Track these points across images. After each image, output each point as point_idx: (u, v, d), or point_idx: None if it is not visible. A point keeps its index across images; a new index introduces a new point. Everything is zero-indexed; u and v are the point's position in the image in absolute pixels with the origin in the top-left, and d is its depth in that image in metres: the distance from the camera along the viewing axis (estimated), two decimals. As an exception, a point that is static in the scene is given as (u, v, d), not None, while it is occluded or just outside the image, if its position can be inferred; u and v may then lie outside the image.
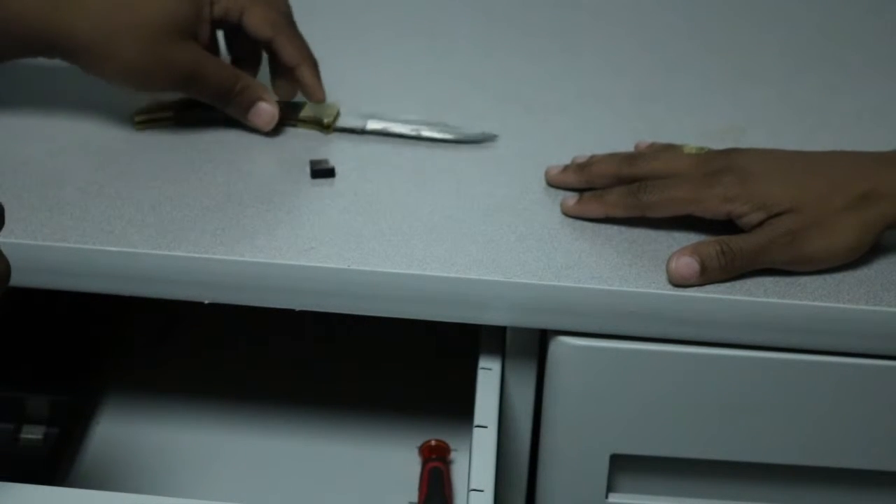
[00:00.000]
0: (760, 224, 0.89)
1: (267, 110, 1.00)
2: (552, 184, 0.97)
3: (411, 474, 0.97)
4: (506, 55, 1.16)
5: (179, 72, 0.96)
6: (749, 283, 0.89)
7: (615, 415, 0.92)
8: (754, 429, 0.92)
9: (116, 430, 1.02)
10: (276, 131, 1.02)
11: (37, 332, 1.05)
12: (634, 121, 1.06)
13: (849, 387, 0.90)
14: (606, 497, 0.95)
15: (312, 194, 0.96)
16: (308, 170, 0.98)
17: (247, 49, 1.04)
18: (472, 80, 1.11)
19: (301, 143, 1.01)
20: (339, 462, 1.00)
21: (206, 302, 0.90)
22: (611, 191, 0.94)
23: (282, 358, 1.09)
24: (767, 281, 0.89)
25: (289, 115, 1.03)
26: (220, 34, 1.04)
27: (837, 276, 0.90)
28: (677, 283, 0.89)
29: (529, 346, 0.94)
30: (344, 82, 1.09)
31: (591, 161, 0.97)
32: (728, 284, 0.89)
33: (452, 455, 0.97)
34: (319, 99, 1.03)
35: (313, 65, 1.03)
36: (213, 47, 1.02)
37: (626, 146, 1.00)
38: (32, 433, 0.98)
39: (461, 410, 0.98)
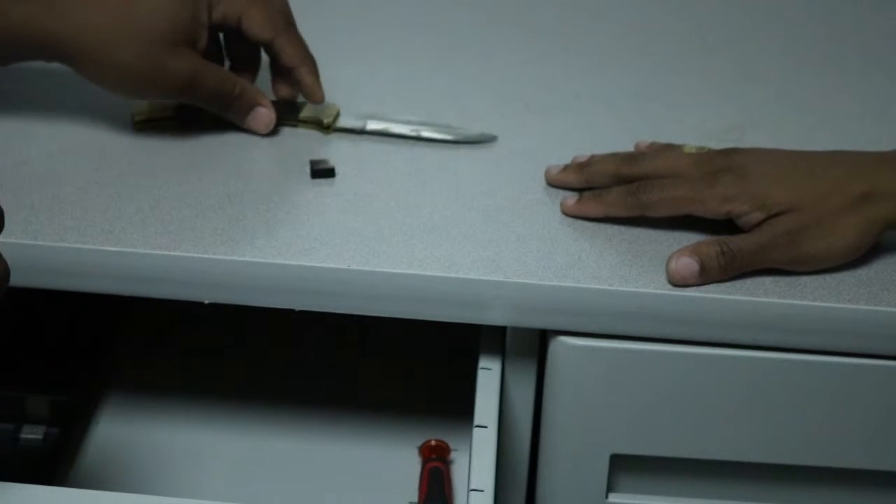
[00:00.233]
0: (760, 224, 0.89)
1: (264, 114, 1.00)
2: (552, 183, 0.97)
3: (411, 474, 0.97)
4: (506, 55, 1.15)
5: (177, 79, 0.96)
6: (749, 283, 0.89)
7: (615, 415, 0.92)
8: (754, 429, 0.92)
9: (116, 430, 1.02)
10: (276, 132, 1.02)
11: (37, 332, 1.05)
12: (634, 121, 1.06)
13: (849, 387, 0.90)
14: (606, 497, 0.95)
15: (312, 194, 0.96)
16: (308, 170, 0.98)
17: (246, 51, 1.04)
18: (472, 79, 1.11)
19: (301, 144, 1.01)
20: (339, 462, 1.00)
21: (206, 302, 0.90)
22: (610, 190, 0.94)
23: (281, 358, 1.09)
24: (767, 281, 0.89)
25: (289, 116, 1.03)
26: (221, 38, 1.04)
27: (837, 276, 0.90)
28: (677, 283, 0.89)
29: (529, 346, 0.94)
30: (344, 82, 1.09)
31: (591, 161, 0.97)
32: (728, 284, 0.89)
33: (452, 455, 0.97)
34: (318, 100, 1.03)
35: (312, 65, 1.03)
36: (213, 53, 1.02)
37: (626, 146, 1.00)
38: (32, 433, 0.98)
39: (461, 410, 0.99)
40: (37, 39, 0.94)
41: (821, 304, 0.88)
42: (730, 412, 0.92)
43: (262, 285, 0.89)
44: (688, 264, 0.88)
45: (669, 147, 0.99)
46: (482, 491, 0.84)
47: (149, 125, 1.01)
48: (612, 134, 1.03)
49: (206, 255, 0.89)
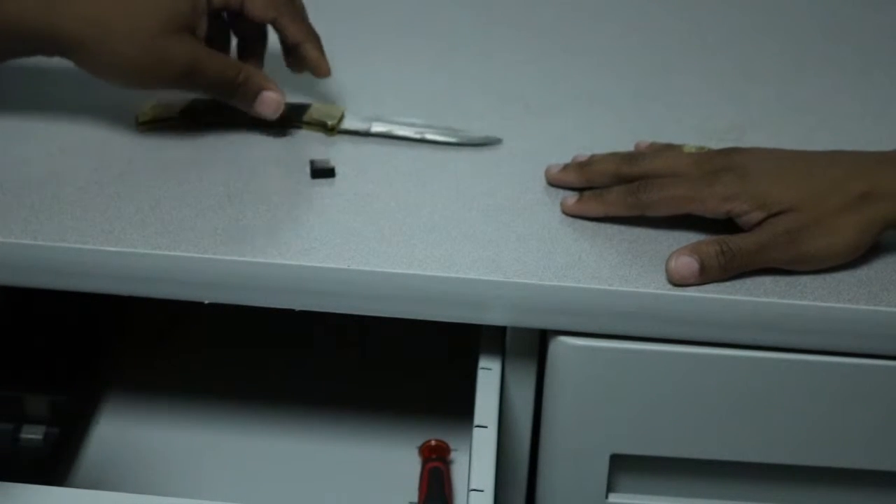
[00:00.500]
0: (760, 223, 0.89)
1: (272, 98, 1.00)
2: (552, 183, 0.97)
3: (411, 474, 0.97)
4: (506, 55, 1.16)
5: (177, 67, 0.96)
6: (749, 283, 0.89)
7: (615, 415, 0.92)
8: (754, 429, 0.92)
9: (116, 430, 1.02)
10: (278, 133, 1.02)
11: (37, 332, 1.05)
12: (634, 121, 1.06)
13: (849, 387, 0.90)
14: (606, 497, 0.95)
15: (312, 194, 0.96)
16: (308, 170, 0.98)
17: (252, 33, 1.04)
18: (472, 80, 1.11)
19: (302, 144, 1.01)
20: (339, 462, 1.00)
21: (206, 302, 0.90)
22: (611, 190, 0.94)
23: (282, 358, 1.09)
24: (767, 281, 0.89)
25: (293, 118, 1.03)
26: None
27: (837, 276, 0.90)
28: (676, 283, 0.89)
29: (529, 346, 0.94)
30: (345, 84, 1.09)
31: (591, 160, 0.97)
32: (728, 284, 0.89)
33: (452, 455, 0.97)
34: (325, 73, 1.03)
35: (316, 41, 1.03)
36: (218, 38, 1.02)
37: (627, 146, 1.00)
38: (32, 433, 0.98)
39: (461, 410, 0.99)
40: (34, 33, 0.94)
41: (821, 304, 0.88)
42: (730, 412, 0.92)
43: (262, 285, 0.89)
44: (687, 263, 0.88)
45: (670, 147, 0.99)
46: (482, 491, 0.84)
47: (152, 127, 1.01)
48: (612, 134, 1.03)
49: (206, 255, 0.89)
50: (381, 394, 1.06)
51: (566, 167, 0.97)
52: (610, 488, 0.95)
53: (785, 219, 0.89)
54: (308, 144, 1.01)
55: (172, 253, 0.89)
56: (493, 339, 0.95)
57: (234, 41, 1.05)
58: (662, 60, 1.16)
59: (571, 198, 0.95)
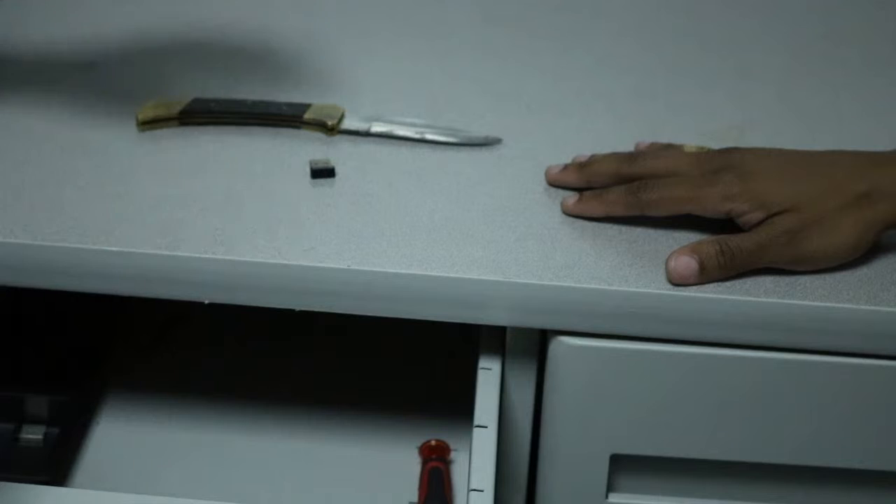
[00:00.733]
0: (760, 223, 0.89)
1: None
2: (552, 183, 0.97)
3: (411, 474, 0.97)
4: (506, 55, 1.15)
5: None
6: (749, 283, 0.89)
7: (615, 415, 0.92)
8: (754, 429, 0.92)
9: (116, 430, 1.02)
10: (278, 133, 1.02)
11: (37, 332, 1.05)
12: (634, 121, 1.06)
13: (849, 387, 0.90)
14: (606, 497, 0.95)
15: (312, 194, 0.96)
16: (308, 170, 0.98)
17: None
18: (472, 80, 1.11)
19: (302, 144, 1.01)
20: (339, 462, 1.00)
21: (206, 302, 0.90)
22: (611, 190, 0.94)
23: (282, 358, 1.09)
24: (767, 281, 0.89)
25: (293, 118, 1.03)
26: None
27: (837, 276, 0.90)
28: (676, 283, 0.89)
29: (529, 346, 0.94)
30: (345, 84, 1.09)
31: (591, 160, 0.97)
32: (728, 284, 0.89)
33: (452, 455, 0.97)
34: None
35: None
36: None
37: (627, 146, 1.00)
38: (32, 433, 0.98)
39: (461, 410, 0.98)
40: None
41: (821, 304, 0.88)
42: (730, 412, 0.92)
43: (262, 285, 0.89)
44: (687, 263, 0.88)
45: (670, 147, 0.99)
46: (482, 491, 0.84)
47: (152, 126, 1.01)
48: (612, 134, 1.03)
49: (206, 255, 0.89)
50: (381, 394, 1.06)
51: (566, 167, 0.97)
52: (610, 488, 0.95)
53: (785, 219, 0.89)
54: (308, 144, 1.01)
55: (172, 253, 0.89)
56: (493, 339, 0.95)
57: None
58: (662, 60, 1.16)
59: (571, 198, 0.95)
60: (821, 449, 0.93)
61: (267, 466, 0.99)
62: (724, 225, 0.91)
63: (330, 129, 1.02)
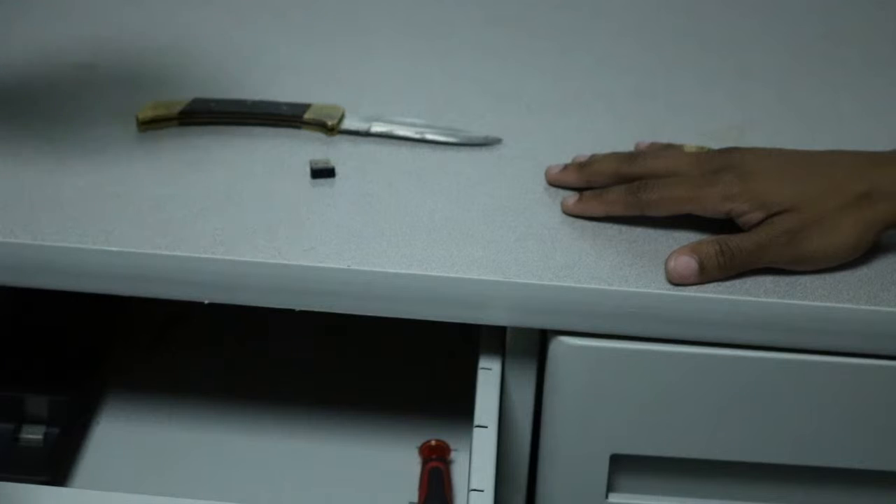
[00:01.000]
0: (760, 223, 0.89)
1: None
2: (552, 183, 0.97)
3: (411, 474, 0.97)
4: (506, 55, 1.15)
5: None
6: (749, 283, 0.89)
7: (615, 415, 0.92)
8: (754, 429, 0.92)
9: (116, 430, 1.02)
10: (278, 133, 1.02)
11: (37, 332, 1.05)
12: (634, 121, 1.06)
13: (849, 387, 0.90)
14: (606, 497, 0.95)
15: (312, 194, 0.96)
16: (308, 170, 0.98)
17: None
18: (472, 80, 1.11)
19: (302, 144, 1.01)
20: (339, 462, 1.00)
21: (206, 302, 0.90)
22: (611, 189, 0.94)
23: (282, 358, 1.09)
24: (767, 281, 0.89)
25: (293, 118, 1.03)
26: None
27: (837, 276, 0.90)
28: (676, 282, 0.89)
29: (529, 346, 0.94)
30: (345, 84, 1.09)
31: (592, 160, 0.97)
32: (728, 284, 0.89)
33: (452, 455, 0.97)
34: None
35: None
36: None
37: (627, 146, 1.00)
38: (32, 433, 0.98)
39: (461, 410, 0.98)
40: None
41: (821, 304, 0.88)
42: (730, 412, 0.92)
43: (262, 285, 0.89)
44: (687, 263, 0.88)
45: (670, 146, 0.99)
46: (482, 491, 0.84)
47: (152, 126, 1.01)
48: (612, 134, 1.03)
49: (206, 255, 0.89)
50: (381, 394, 1.06)
51: (566, 167, 0.97)
52: (610, 488, 0.95)
53: (785, 219, 0.89)
54: (307, 144, 1.01)
55: (172, 253, 0.89)
56: (493, 339, 0.95)
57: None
58: (662, 60, 1.16)
59: (571, 198, 0.95)
60: (821, 449, 0.93)
61: (267, 466, 0.99)
62: (724, 225, 0.91)
63: (330, 129, 1.02)
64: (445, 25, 1.20)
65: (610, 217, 0.94)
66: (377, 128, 1.03)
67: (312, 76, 1.09)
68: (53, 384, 1.00)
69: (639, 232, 0.93)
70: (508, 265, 0.89)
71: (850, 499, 0.95)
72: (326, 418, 1.03)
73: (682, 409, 0.92)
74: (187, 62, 1.11)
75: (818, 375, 0.90)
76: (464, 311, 0.89)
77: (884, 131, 1.05)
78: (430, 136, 1.02)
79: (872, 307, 0.88)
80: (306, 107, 1.03)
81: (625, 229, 0.93)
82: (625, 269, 0.90)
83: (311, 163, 0.98)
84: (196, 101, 1.03)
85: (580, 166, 0.97)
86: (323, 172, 0.97)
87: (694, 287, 0.89)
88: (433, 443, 0.97)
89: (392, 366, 1.09)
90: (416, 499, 0.95)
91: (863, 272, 0.91)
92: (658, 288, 0.88)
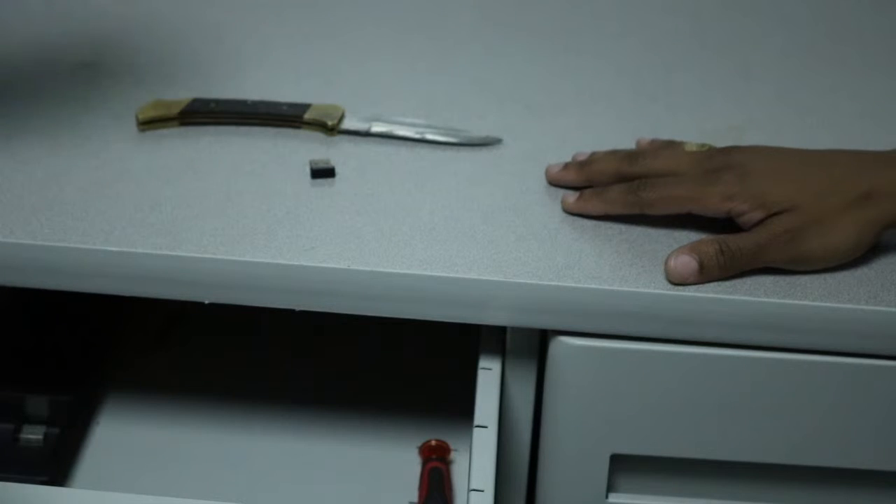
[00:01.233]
0: (760, 222, 0.89)
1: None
2: (552, 182, 0.97)
3: (411, 474, 0.97)
4: (506, 55, 1.15)
5: None
6: (749, 283, 0.89)
7: (615, 415, 0.92)
8: (754, 429, 0.92)
9: (116, 430, 1.02)
10: (278, 133, 1.02)
11: (37, 332, 1.05)
12: (634, 121, 1.06)
13: (849, 387, 0.90)
14: (606, 497, 0.95)
15: (312, 194, 0.96)
16: (308, 170, 0.98)
17: None
18: (472, 80, 1.11)
19: (301, 144, 1.01)
20: (339, 462, 1.00)
21: (206, 302, 0.90)
22: (611, 188, 0.94)
23: (282, 358, 1.09)
24: (767, 281, 0.89)
25: (293, 118, 1.03)
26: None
27: (837, 276, 0.90)
28: (676, 282, 0.89)
29: (529, 346, 0.94)
30: (345, 84, 1.09)
31: (592, 159, 0.97)
32: (728, 284, 0.89)
33: (452, 455, 0.97)
34: None
35: None
36: None
37: (627, 146, 1.00)
38: (32, 433, 0.98)
39: (461, 410, 0.99)
40: None
41: (821, 304, 0.88)
42: (730, 412, 0.92)
43: (262, 285, 0.89)
44: (687, 262, 0.88)
45: (670, 144, 0.98)
46: (482, 491, 0.84)
47: (152, 126, 1.01)
48: (612, 134, 1.03)
49: (206, 255, 0.89)
50: (381, 394, 1.06)
51: (566, 166, 0.97)
52: (610, 488, 0.95)
53: (785, 218, 0.89)
54: (307, 144, 1.01)
55: (172, 253, 0.89)
56: (493, 339, 0.95)
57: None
58: (662, 60, 1.16)
59: (572, 196, 0.95)
60: (821, 449, 0.93)
61: (267, 466, 0.99)
62: (725, 224, 0.91)
63: (330, 129, 1.02)
64: (445, 25, 1.20)
65: (610, 216, 0.94)
66: (377, 128, 1.03)
67: (312, 76, 1.09)
68: (53, 384, 1.00)
69: (639, 232, 0.93)
70: (508, 265, 0.89)
71: (850, 499, 0.95)
72: (326, 418, 1.03)
73: (682, 409, 0.92)
74: (187, 62, 1.11)
75: (818, 375, 0.90)
76: (464, 311, 0.89)
77: (884, 131, 1.05)
78: (430, 136, 1.02)
79: (872, 307, 0.88)
80: (306, 107, 1.03)
81: (625, 229, 0.93)
82: (625, 269, 0.90)
83: (311, 163, 0.98)
84: (196, 101, 1.03)
85: (580, 165, 0.97)
86: (323, 172, 0.97)
87: (694, 287, 0.89)
88: (433, 443, 0.97)
89: (392, 366, 1.09)
90: (416, 499, 0.95)
91: (863, 272, 0.91)
92: (658, 288, 0.88)
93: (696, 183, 0.91)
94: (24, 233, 0.90)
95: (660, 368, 0.90)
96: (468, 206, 0.95)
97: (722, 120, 1.06)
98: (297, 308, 0.90)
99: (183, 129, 1.02)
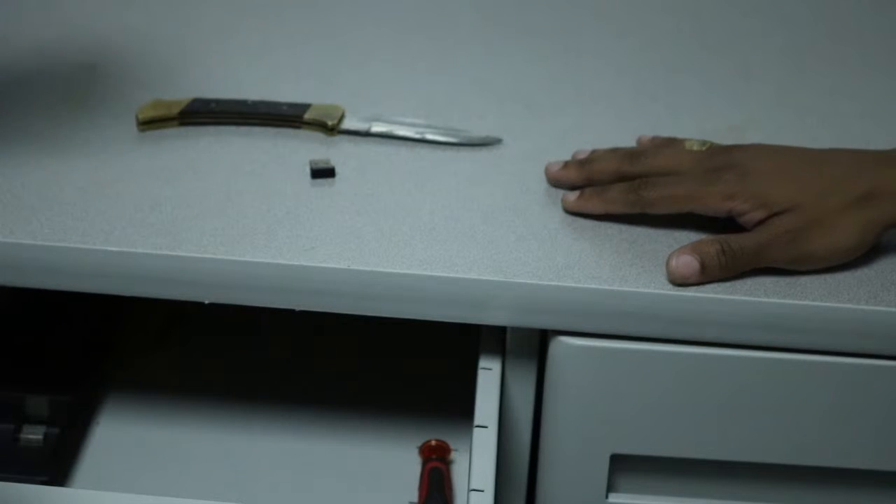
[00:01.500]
0: (761, 222, 0.89)
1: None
2: (552, 180, 0.97)
3: (411, 474, 0.97)
4: (506, 55, 1.15)
5: None
6: (749, 283, 0.89)
7: (615, 415, 0.92)
8: (754, 429, 0.92)
9: (116, 430, 1.02)
10: (278, 133, 1.02)
11: (37, 332, 1.05)
12: (635, 121, 1.06)
13: (849, 387, 0.90)
14: (606, 497, 0.95)
15: (312, 194, 0.96)
16: (308, 170, 0.98)
17: None
18: (472, 80, 1.11)
19: (301, 144, 1.01)
20: (339, 462, 1.00)
21: (206, 302, 0.90)
22: (612, 187, 0.94)
23: (282, 358, 1.09)
24: (767, 281, 0.89)
25: (293, 118, 1.03)
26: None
27: (837, 276, 0.90)
28: (677, 282, 0.89)
29: (529, 346, 0.94)
30: (345, 84, 1.09)
31: (592, 157, 0.97)
32: (728, 284, 0.89)
33: (452, 455, 0.97)
34: None
35: None
36: None
37: (627, 146, 1.00)
38: (32, 433, 0.98)
39: (461, 410, 0.98)
40: None
41: (821, 304, 0.88)
42: (730, 412, 0.92)
43: (262, 285, 0.89)
44: (688, 262, 0.88)
45: (671, 143, 0.98)
46: (482, 491, 0.84)
47: (152, 126, 1.01)
48: (612, 134, 1.03)
49: (206, 255, 0.89)
50: (381, 394, 1.06)
51: (567, 164, 0.97)
52: (610, 488, 0.95)
53: (786, 218, 0.89)
54: (307, 144, 1.01)
55: (172, 253, 0.89)
56: (493, 339, 0.95)
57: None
58: (662, 60, 1.16)
59: (572, 194, 0.95)
60: (821, 449, 0.93)
61: (267, 466, 0.99)
62: (726, 224, 0.91)
63: (330, 129, 1.02)
64: (445, 25, 1.20)
65: (610, 216, 0.94)
66: (377, 128, 1.03)
67: (312, 76, 1.09)
68: (53, 384, 1.00)
69: (639, 231, 0.93)
70: (508, 265, 0.89)
71: (850, 499, 0.95)
72: (326, 418, 1.03)
73: (683, 409, 0.92)
74: (187, 62, 1.11)
75: (818, 375, 0.90)
76: (464, 311, 0.89)
77: (884, 131, 1.05)
78: (430, 136, 1.02)
79: (872, 307, 0.88)
80: (306, 107, 1.03)
81: (625, 229, 0.93)
82: (625, 269, 0.90)
83: (311, 163, 0.98)
84: (196, 101, 1.03)
85: (581, 163, 0.97)
86: (323, 172, 0.97)
87: (694, 287, 0.89)
88: (433, 443, 0.97)
89: (392, 366, 1.09)
90: (416, 499, 0.95)
91: (863, 272, 0.91)
92: (658, 288, 0.88)
93: (697, 182, 0.91)
94: (24, 233, 0.90)
95: (660, 368, 0.90)
96: (468, 206, 0.95)
97: (722, 120, 1.06)
98: (297, 308, 0.90)
99: (183, 129, 1.02)
